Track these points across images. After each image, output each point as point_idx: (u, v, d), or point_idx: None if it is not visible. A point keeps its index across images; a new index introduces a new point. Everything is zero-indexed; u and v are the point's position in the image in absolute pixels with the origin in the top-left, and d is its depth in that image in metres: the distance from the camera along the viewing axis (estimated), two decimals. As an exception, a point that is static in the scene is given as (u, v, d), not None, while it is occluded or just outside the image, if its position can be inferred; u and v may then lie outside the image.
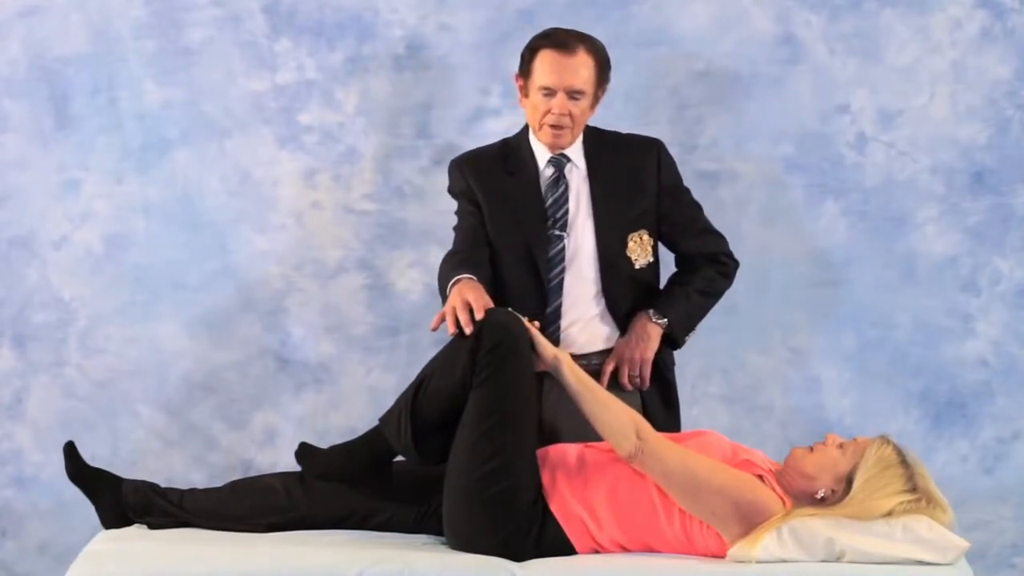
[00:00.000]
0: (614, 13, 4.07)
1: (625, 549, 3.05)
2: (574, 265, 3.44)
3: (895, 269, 4.13)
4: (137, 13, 4.11)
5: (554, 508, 3.06)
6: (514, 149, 3.51)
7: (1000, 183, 4.11)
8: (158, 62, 4.12)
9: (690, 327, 3.53)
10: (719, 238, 3.57)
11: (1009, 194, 4.12)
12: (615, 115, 3.99)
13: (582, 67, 3.35)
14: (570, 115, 3.36)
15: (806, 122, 4.11)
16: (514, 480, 3.03)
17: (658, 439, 3.05)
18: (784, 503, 3.01)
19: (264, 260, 4.17)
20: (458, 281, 3.22)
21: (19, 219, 4.18)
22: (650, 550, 3.04)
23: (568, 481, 3.09)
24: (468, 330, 3.05)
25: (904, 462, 3.03)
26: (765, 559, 2.95)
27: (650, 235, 3.49)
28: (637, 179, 3.47)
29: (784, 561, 2.95)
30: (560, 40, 3.36)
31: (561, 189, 3.45)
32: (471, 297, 3.10)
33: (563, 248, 3.43)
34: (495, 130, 3.99)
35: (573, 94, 3.35)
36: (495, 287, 3.34)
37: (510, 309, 3.15)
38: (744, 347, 4.16)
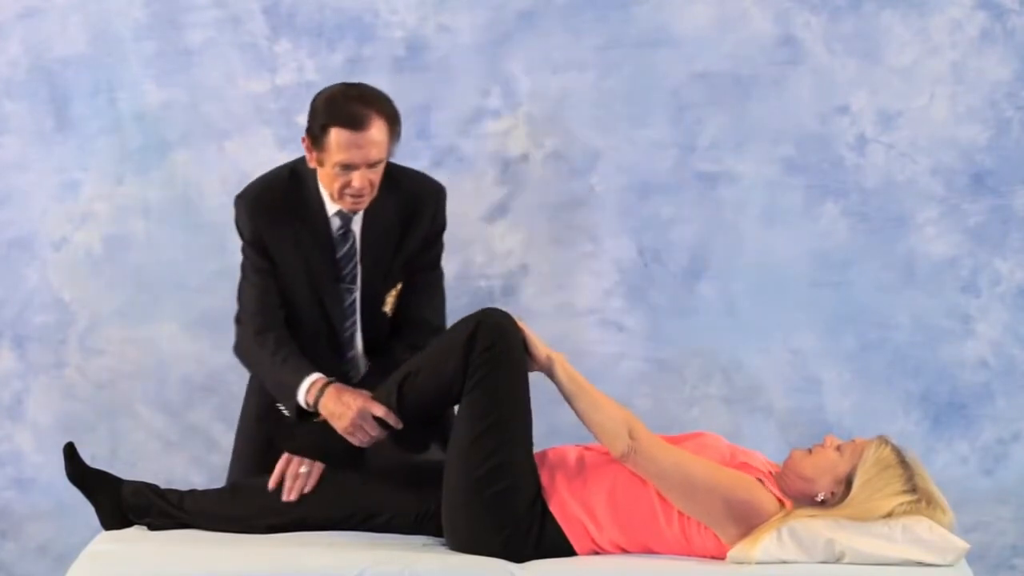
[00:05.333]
0: (614, 13, 4.07)
1: (624, 550, 3.05)
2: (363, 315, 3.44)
3: (895, 270, 4.13)
4: (137, 14, 4.11)
5: (553, 509, 3.06)
6: (303, 186, 3.38)
7: (1000, 184, 4.11)
8: (158, 63, 4.12)
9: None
10: (434, 333, 3.39)
11: (1009, 195, 4.11)
12: (614, 116, 4.00)
13: (377, 135, 3.22)
14: (370, 183, 3.27)
15: (806, 123, 4.10)
16: (512, 480, 3.03)
17: (652, 440, 3.04)
18: (783, 504, 3.00)
19: (264, 261, 4.17)
20: (325, 387, 3.20)
21: (19, 220, 4.18)
22: (649, 551, 3.04)
23: (567, 482, 3.08)
24: (398, 427, 3.08)
25: (903, 462, 3.03)
26: (765, 560, 2.95)
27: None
28: (409, 233, 3.40)
29: (784, 562, 2.95)
30: (351, 116, 3.20)
31: (349, 243, 3.39)
32: (373, 408, 3.10)
33: (354, 300, 3.41)
34: (495, 131, 4.00)
35: (372, 165, 3.25)
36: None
37: (504, 309, 3.14)
38: (744, 348, 4.15)
